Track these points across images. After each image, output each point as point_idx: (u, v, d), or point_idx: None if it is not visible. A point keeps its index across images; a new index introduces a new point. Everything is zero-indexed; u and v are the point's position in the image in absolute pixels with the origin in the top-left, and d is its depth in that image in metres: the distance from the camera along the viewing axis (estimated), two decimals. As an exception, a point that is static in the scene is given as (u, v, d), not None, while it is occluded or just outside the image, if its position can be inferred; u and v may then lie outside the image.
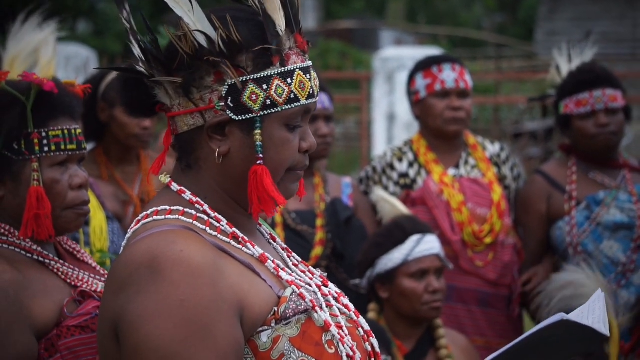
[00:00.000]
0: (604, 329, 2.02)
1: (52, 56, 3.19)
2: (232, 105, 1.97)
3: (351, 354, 1.98)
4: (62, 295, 2.46)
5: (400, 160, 4.54)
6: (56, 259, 2.53)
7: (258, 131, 1.97)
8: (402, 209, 4.17)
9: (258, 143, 1.97)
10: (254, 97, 1.97)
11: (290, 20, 2.02)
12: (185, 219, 1.97)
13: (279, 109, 1.98)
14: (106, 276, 2.58)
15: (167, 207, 1.99)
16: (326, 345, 1.95)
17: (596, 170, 4.47)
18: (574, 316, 2.01)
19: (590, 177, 4.46)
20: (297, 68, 2.00)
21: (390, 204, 4.19)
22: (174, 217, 1.97)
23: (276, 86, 1.97)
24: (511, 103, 12.49)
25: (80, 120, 2.63)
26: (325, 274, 2.17)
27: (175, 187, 2.03)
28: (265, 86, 1.97)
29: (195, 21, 1.97)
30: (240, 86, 1.97)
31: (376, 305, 3.93)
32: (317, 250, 4.19)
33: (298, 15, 2.04)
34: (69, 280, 2.50)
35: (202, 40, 1.97)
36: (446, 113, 4.45)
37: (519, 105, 12.91)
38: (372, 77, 9.98)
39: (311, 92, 2.02)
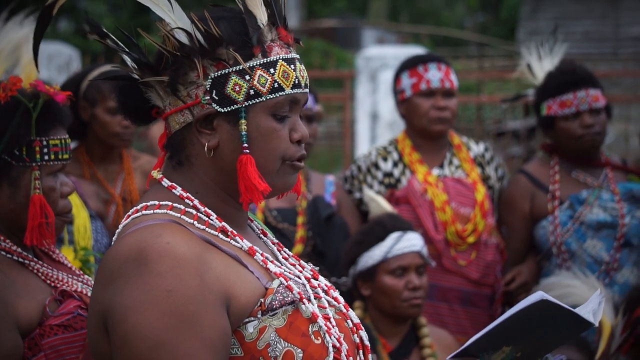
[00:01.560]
0: (592, 318, 2.04)
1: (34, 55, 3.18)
2: (217, 98, 2.01)
3: (337, 345, 2.01)
4: (44, 295, 2.49)
5: (385, 159, 4.55)
6: (35, 259, 2.56)
7: (243, 121, 2.01)
8: (389, 209, 4.18)
9: (243, 133, 2.01)
10: (237, 88, 2.01)
11: (274, 16, 2.06)
12: (173, 213, 2.01)
13: (263, 98, 2.02)
14: (82, 276, 2.61)
15: (157, 202, 2.03)
16: (313, 336, 1.98)
17: (579, 169, 4.48)
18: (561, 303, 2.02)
19: (573, 176, 4.48)
20: (280, 59, 2.04)
21: (378, 203, 4.20)
22: (162, 211, 2.01)
23: (259, 76, 2.01)
24: (493, 102, 12.48)
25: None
26: (317, 268, 2.20)
27: (166, 182, 2.07)
28: (247, 77, 2.01)
29: (176, 20, 2.02)
30: (206, 81, 2.01)
31: (361, 303, 3.94)
32: (298, 248, 4.20)
33: (282, 11, 2.08)
34: (48, 281, 2.53)
35: (183, 37, 2.01)
36: (431, 112, 4.46)
37: (501, 104, 12.92)
38: (355, 76, 9.96)
39: (296, 82, 2.05)
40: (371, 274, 3.86)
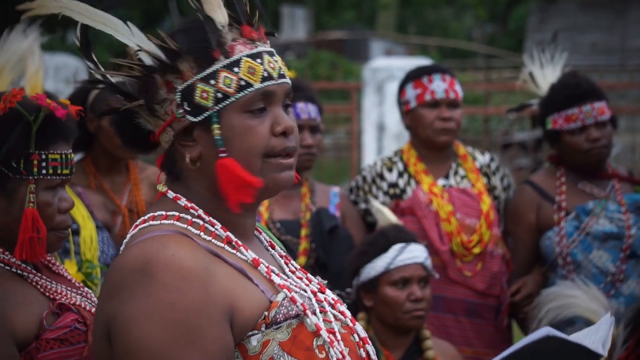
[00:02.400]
0: (601, 349, 2.01)
1: (39, 66, 3.20)
2: (189, 109, 2.02)
3: (341, 358, 2.00)
4: (41, 308, 2.48)
5: (390, 170, 4.55)
6: (34, 271, 2.55)
7: (216, 126, 2.01)
8: (395, 220, 4.17)
9: (217, 137, 2.00)
10: (204, 94, 2.01)
11: (238, 15, 2.06)
12: (180, 224, 2.01)
13: (232, 98, 2.01)
14: (82, 289, 2.60)
15: (164, 213, 2.03)
16: (317, 350, 1.97)
17: (585, 180, 4.47)
18: (574, 336, 2.00)
19: (579, 187, 4.47)
20: (242, 56, 2.02)
21: (384, 215, 4.20)
22: (169, 222, 2.01)
23: (224, 78, 2.01)
24: (501, 114, 12.51)
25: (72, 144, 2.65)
26: (325, 282, 2.19)
27: (171, 194, 2.07)
28: (212, 81, 2.01)
29: (137, 43, 2.04)
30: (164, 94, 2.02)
31: (365, 315, 3.93)
32: (301, 260, 4.19)
33: (245, 7, 2.07)
34: (47, 293, 2.52)
35: (147, 58, 2.03)
36: (436, 123, 4.46)
37: (509, 115, 12.93)
38: (362, 88, 9.99)
39: (266, 75, 2.03)
40: (374, 285, 3.86)
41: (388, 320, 3.84)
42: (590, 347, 2.00)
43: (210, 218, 2.03)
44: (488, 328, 4.41)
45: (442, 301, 4.35)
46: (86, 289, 2.66)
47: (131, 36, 2.04)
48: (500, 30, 34.70)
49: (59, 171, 2.55)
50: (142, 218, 2.05)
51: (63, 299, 2.52)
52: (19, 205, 2.51)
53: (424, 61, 9.30)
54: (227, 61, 2.02)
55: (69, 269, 3.32)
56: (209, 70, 2.01)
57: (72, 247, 3.72)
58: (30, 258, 2.50)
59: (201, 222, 2.02)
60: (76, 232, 3.77)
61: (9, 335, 2.38)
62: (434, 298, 4.13)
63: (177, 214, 2.02)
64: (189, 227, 2.00)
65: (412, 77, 4.53)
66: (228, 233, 2.03)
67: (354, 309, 3.97)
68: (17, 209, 2.51)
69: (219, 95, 2.00)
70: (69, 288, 2.59)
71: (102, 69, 2.11)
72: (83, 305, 2.54)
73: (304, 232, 4.27)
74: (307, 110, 4.32)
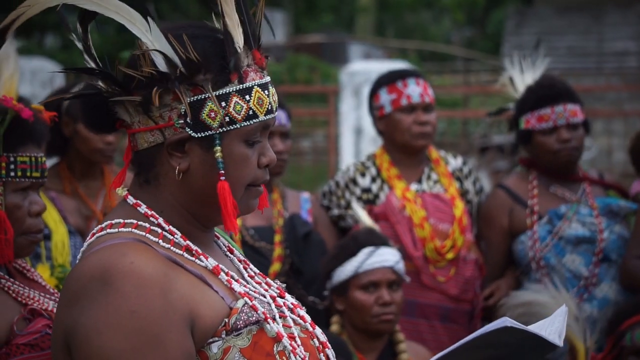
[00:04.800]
0: (558, 340, 2.04)
1: (14, 70, 3.18)
2: (191, 123, 1.99)
3: None
4: (12, 313, 2.46)
5: (362, 175, 4.54)
6: (6, 277, 2.53)
7: (218, 148, 1.99)
8: (370, 223, 4.18)
9: (219, 160, 1.99)
10: (212, 114, 1.99)
11: (249, 37, 2.03)
12: (138, 231, 1.99)
13: (238, 125, 2.00)
14: (56, 294, 2.59)
15: (121, 220, 2.01)
16: (277, 356, 1.97)
17: (557, 183, 4.49)
18: (529, 327, 2.02)
19: (551, 190, 4.48)
20: (255, 85, 2.02)
21: (360, 218, 4.21)
22: (127, 229, 1.99)
23: (235, 103, 1.99)
24: (479, 117, 12.55)
25: (44, 148, 2.63)
26: (284, 285, 2.19)
27: (131, 200, 2.05)
28: (223, 103, 1.99)
29: (153, 41, 1.99)
30: (188, 105, 1.98)
31: (339, 318, 3.93)
32: (275, 267, 4.17)
33: (257, 31, 2.05)
34: (19, 299, 2.50)
35: (160, 60, 1.98)
36: (414, 128, 4.46)
37: (487, 118, 12.98)
38: (339, 91, 9.99)
39: (269, 107, 2.04)
40: (344, 289, 3.86)
41: (358, 323, 3.84)
42: (547, 337, 2.03)
43: (171, 227, 2.02)
44: (462, 333, 4.39)
45: (416, 306, 4.35)
46: (59, 294, 2.64)
47: (148, 32, 1.99)
48: (478, 33, 34.79)
49: (28, 174, 2.53)
50: (100, 226, 2.03)
51: (35, 305, 2.50)
52: None
53: (400, 65, 9.32)
54: (240, 86, 2.00)
55: (42, 272, 3.30)
56: (222, 91, 1.99)
57: (44, 252, 3.71)
58: None
59: (160, 230, 2.01)
60: (48, 237, 3.76)
61: None
62: (408, 303, 4.13)
63: (135, 221, 2.01)
64: (147, 235, 1.99)
65: (385, 81, 4.53)
66: (188, 242, 2.02)
67: (328, 313, 3.98)
68: None
69: (227, 119, 1.99)
70: (42, 294, 2.57)
71: (97, 60, 2.05)
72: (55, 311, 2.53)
73: (277, 238, 4.26)
74: (278, 116, 4.31)
